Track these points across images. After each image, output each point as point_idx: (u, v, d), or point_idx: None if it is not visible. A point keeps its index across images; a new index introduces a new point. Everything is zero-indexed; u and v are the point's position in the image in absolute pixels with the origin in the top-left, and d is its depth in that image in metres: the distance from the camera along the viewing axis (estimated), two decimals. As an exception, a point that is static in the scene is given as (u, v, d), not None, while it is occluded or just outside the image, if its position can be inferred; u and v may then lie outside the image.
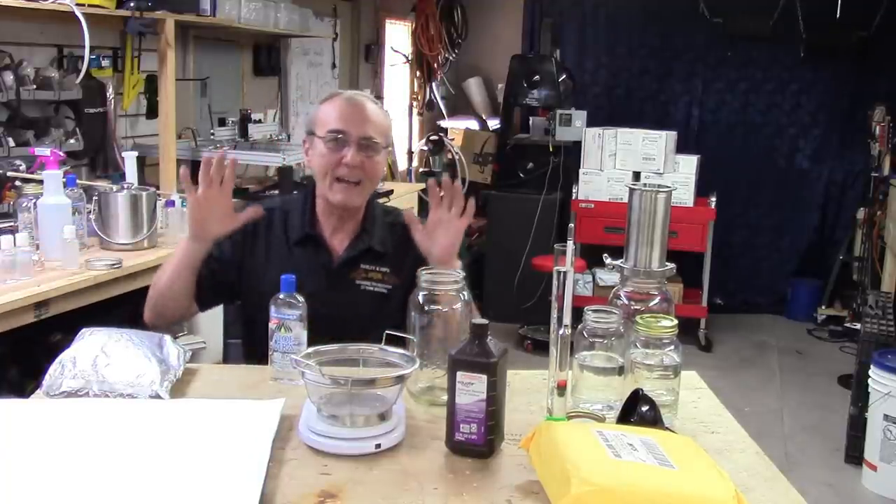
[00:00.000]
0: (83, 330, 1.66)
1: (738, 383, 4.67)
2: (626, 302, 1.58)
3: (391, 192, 4.49)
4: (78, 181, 2.82)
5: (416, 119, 6.62)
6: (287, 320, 1.60)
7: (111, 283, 2.58)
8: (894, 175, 5.12)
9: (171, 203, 3.05)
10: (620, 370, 1.49)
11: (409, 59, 6.49)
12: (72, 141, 3.21)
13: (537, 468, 1.26)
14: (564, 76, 5.75)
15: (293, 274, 1.61)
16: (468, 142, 6.36)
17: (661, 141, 5.14)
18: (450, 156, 5.99)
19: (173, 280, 1.87)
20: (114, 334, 1.64)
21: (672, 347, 1.48)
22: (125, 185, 2.86)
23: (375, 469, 1.30)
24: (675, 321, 1.49)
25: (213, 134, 3.98)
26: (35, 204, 2.59)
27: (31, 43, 3.19)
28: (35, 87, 3.04)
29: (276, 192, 3.76)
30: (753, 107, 6.05)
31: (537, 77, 5.62)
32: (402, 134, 6.40)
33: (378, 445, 1.34)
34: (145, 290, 2.77)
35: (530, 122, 5.58)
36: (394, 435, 1.37)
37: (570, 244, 1.42)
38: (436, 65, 6.46)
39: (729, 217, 5.67)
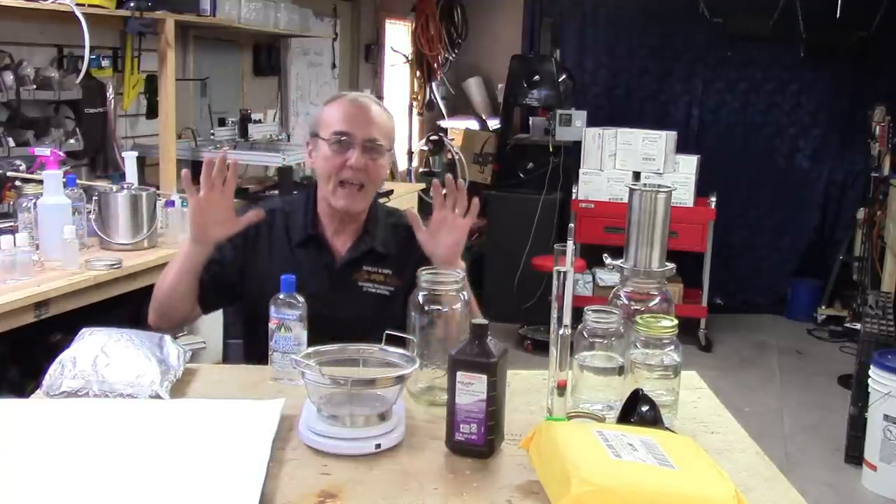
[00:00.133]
0: (83, 330, 1.66)
1: (738, 383, 4.67)
2: (626, 302, 1.58)
3: (391, 192, 4.49)
4: (78, 181, 2.82)
5: (416, 119, 6.62)
6: (287, 320, 1.60)
7: (111, 283, 2.58)
8: (894, 175, 5.12)
9: (171, 203, 3.05)
10: (620, 370, 1.49)
11: (409, 59, 6.49)
12: (72, 141, 3.21)
13: (537, 468, 1.26)
14: (564, 76, 5.75)
15: (295, 275, 1.61)
16: (468, 142, 6.36)
17: (661, 141, 5.14)
18: (450, 156, 5.99)
19: (176, 284, 1.86)
20: (114, 334, 1.64)
21: (672, 347, 1.49)
22: (125, 185, 2.85)
23: (375, 469, 1.30)
24: (675, 321, 1.49)
25: (213, 134, 3.98)
26: (35, 204, 2.59)
27: (31, 43, 3.19)
28: (35, 87, 3.04)
29: (276, 192, 3.76)
30: (753, 107, 6.05)
31: (537, 77, 5.62)
32: (402, 134, 6.40)
33: (378, 445, 1.34)
34: (145, 289, 2.80)
35: (530, 122, 5.58)
36: (394, 435, 1.37)
37: (570, 244, 1.42)
38: (436, 65, 6.46)
39: (729, 217, 5.67)
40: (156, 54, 3.47)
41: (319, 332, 1.59)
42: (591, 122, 5.39)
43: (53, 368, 1.55)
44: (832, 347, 5.43)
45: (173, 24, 3.38)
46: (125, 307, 2.87)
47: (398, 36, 6.61)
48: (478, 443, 1.34)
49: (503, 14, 6.80)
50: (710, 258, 5.23)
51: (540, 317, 4.71)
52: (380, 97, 6.01)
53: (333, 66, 5.65)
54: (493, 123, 6.54)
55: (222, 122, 4.16)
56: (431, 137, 6.17)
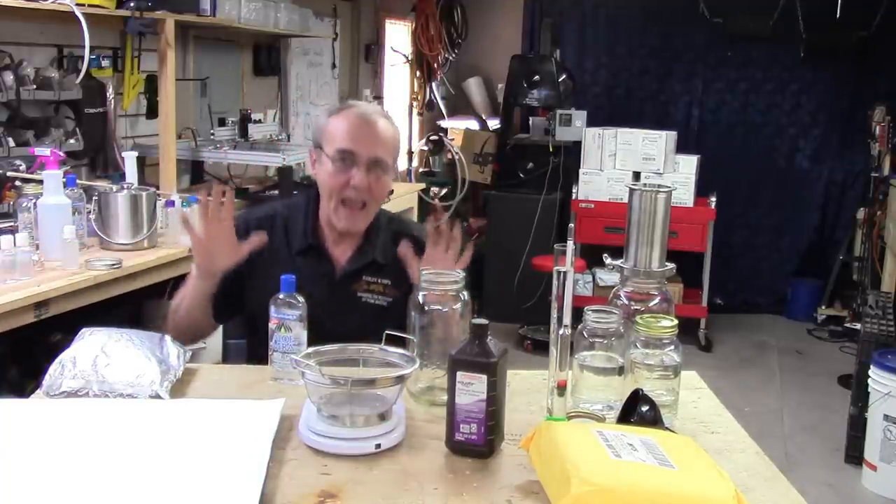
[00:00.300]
0: (83, 330, 1.66)
1: (738, 383, 4.67)
2: (626, 302, 1.58)
3: (391, 192, 4.49)
4: (78, 181, 2.82)
5: (416, 119, 6.62)
6: (287, 320, 1.60)
7: (111, 283, 2.58)
8: (894, 175, 5.12)
9: (171, 203, 3.05)
10: (620, 370, 1.49)
11: (409, 59, 6.49)
12: (72, 141, 3.21)
13: (537, 468, 1.26)
14: (564, 76, 5.75)
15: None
16: (468, 142, 6.36)
17: (661, 141, 5.14)
18: (450, 156, 5.99)
19: (191, 313, 1.88)
20: (114, 334, 1.64)
21: (672, 347, 1.48)
22: (125, 185, 2.85)
23: (375, 469, 1.30)
24: (675, 321, 1.49)
25: (213, 134, 3.98)
26: (35, 204, 2.59)
27: (31, 43, 3.19)
28: (35, 87, 3.04)
29: (276, 192, 3.76)
30: (753, 107, 6.06)
31: (537, 77, 5.62)
32: (403, 134, 6.39)
33: (378, 445, 1.34)
34: (145, 290, 2.80)
35: (530, 122, 5.58)
36: (394, 435, 1.37)
37: (570, 244, 1.42)
38: (436, 65, 6.46)
39: (729, 217, 5.68)
40: (156, 54, 3.47)
41: (317, 340, 1.58)
42: (591, 122, 5.39)
43: (53, 368, 1.55)
44: (832, 347, 5.43)
45: (173, 24, 3.38)
46: (125, 307, 2.88)
47: (398, 36, 6.61)
48: (478, 443, 1.34)
49: (503, 14, 6.80)
50: (710, 258, 5.23)
51: (540, 317, 4.71)
52: (380, 97, 6.02)
53: (333, 66, 5.65)
54: (493, 123, 6.54)
55: (222, 122, 4.16)
56: (431, 137, 6.17)
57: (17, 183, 2.75)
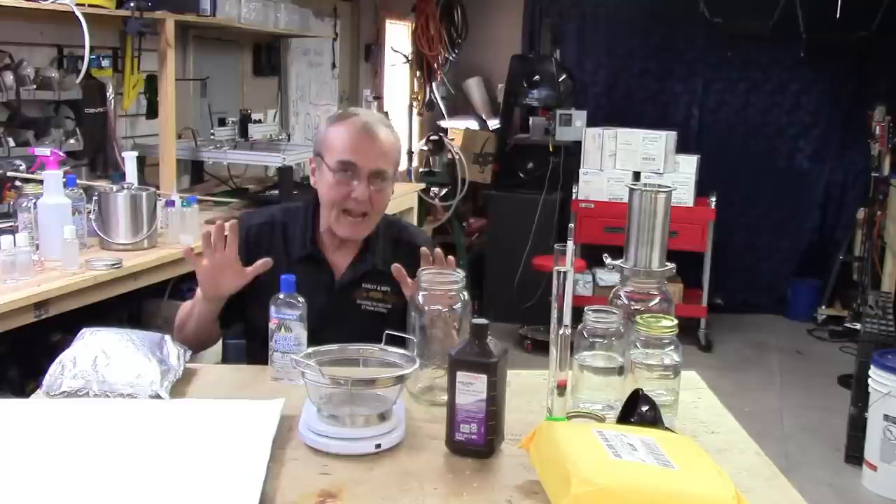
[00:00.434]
0: (83, 330, 1.66)
1: (738, 383, 4.67)
2: (626, 302, 1.58)
3: (392, 192, 4.48)
4: (78, 181, 2.82)
5: (416, 119, 6.61)
6: (287, 320, 1.61)
7: (111, 283, 2.57)
8: (894, 175, 5.12)
9: (171, 203, 3.05)
10: (620, 370, 1.49)
11: (409, 59, 6.49)
12: (72, 141, 3.21)
13: (537, 468, 1.26)
14: (564, 76, 5.75)
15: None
16: (468, 142, 6.36)
17: (661, 141, 5.14)
18: (450, 156, 5.99)
19: (199, 332, 1.90)
20: (114, 334, 1.64)
21: (672, 347, 1.49)
22: (125, 185, 2.85)
23: (375, 469, 1.30)
24: (675, 321, 1.49)
25: (213, 134, 3.98)
26: (35, 204, 2.59)
27: (31, 43, 3.19)
28: (35, 87, 3.04)
29: (276, 192, 3.75)
30: (753, 107, 6.05)
31: (537, 77, 5.62)
32: (403, 134, 6.39)
33: (378, 445, 1.34)
34: (145, 290, 2.80)
35: (530, 122, 5.58)
36: (394, 435, 1.37)
37: (570, 244, 1.42)
38: (436, 65, 6.46)
39: (729, 217, 5.67)
40: (156, 54, 3.46)
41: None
42: (591, 122, 5.39)
43: (53, 368, 1.55)
44: (832, 347, 5.43)
45: (173, 24, 3.38)
46: (125, 307, 2.88)
47: (398, 36, 6.61)
48: (478, 443, 1.34)
49: (503, 14, 6.79)
50: (710, 258, 5.23)
51: (540, 317, 4.70)
52: (380, 97, 6.02)
53: (333, 66, 5.64)
54: (493, 123, 6.54)
55: (222, 122, 4.16)
56: (431, 137, 6.17)
57: (17, 183, 2.75)
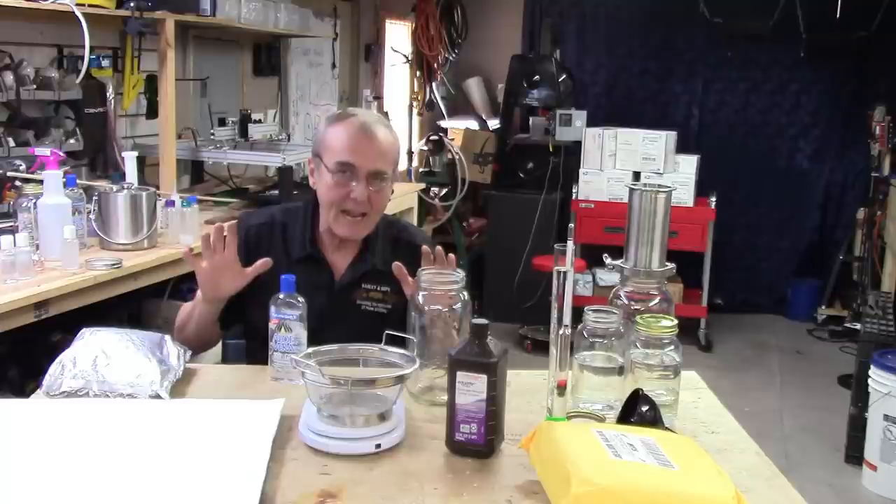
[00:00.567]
0: (83, 330, 1.66)
1: (738, 383, 4.67)
2: (626, 302, 1.58)
3: (391, 192, 4.49)
4: (78, 181, 2.82)
5: (416, 119, 6.61)
6: (287, 320, 1.61)
7: (111, 283, 2.57)
8: (894, 175, 5.12)
9: (170, 203, 3.05)
10: (620, 370, 1.49)
11: (409, 59, 6.49)
12: (72, 141, 3.21)
13: (537, 468, 1.26)
14: (564, 76, 5.75)
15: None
16: (468, 142, 6.36)
17: (661, 141, 5.14)
18: (450, 156, 5.99)
19: (200, 334, 1.90)
20: (114, 334, 1.64)
21: (672, 347, 1.49)
22: (125, 185, 2.85)
23: (375, 469, 1.30)
24: (675, 321, 1.49)
25: (213, 134, 3.98)
26: (35, 204, 2.59)
27: (31, 43, 3.19)
28: (35, 87, 3.04)
29: (276, 192, 3.75)
30: (753, 107, 6.05)
31: (537, 77, 5.62)
32: (403, 134, 6.40)
33: (378, 445, 1.34)
34: (145, 290, 2.80)
35: (530, 122, 5.58)
36: (394, 435, 1.37)
37: (570, 244, 1.42)
38: (436, 65, 6.46)
39: (729, 217, 5.67)
40: (156, 54, 3.46)
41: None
42: (591, 122, 5.39)
43: (53, 368, 1.55)
44: (832, 347, 5.43)
45: (173, 24, 3.38)
46: (125, 307, 2.88)
47: (398, 36, 6.61)
48: (478, 443, 1.34)
49: (503, 14, 6.79)
50: (710, 258, 5.23)
51: (540, 317, 4.70)
52: (380, 97, 6.02)
53: (333, 66, 5.64)
54: (493, 123, 6.54)
55: (222, 122, 4.16)
56: (431, 137, 6.17)
57: (17, 183, 2.75)
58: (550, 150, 5.42)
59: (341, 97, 5.79)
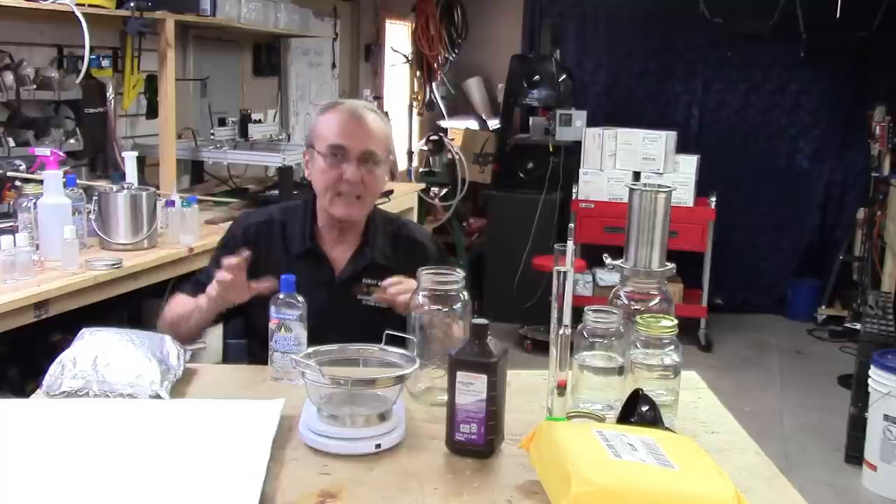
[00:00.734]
0: (83, 330, 1.66)
1: (738, 383, 4.67)
2: (626, 302, 1.58)
3: (391, 192, 4.49)
4: (78, 181, 2.82)
5: (416, 119, 6.61)
6: (287, 320, 1.61)
7: (111, 283, 2.57)
8: (894, 175, 5.12)
9: (170, 203, 3.05)
10: (620, 370, 1.49)
11: (409, 59, 6.49)
12: (72, 141, 3.21)
13: (537, 468, 1.26)
14: (564, 76, 5.75)
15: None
16: (468, 142, 6.36)
17: (661, 141, 5.14)
18: (450, 156, 5.99)
19: (193, 331, 1.91)
20: (114, 334, 1.64)
21: (672, 347, 1.49)
22: (125, 185, 2.85)
23: (375, 469, 1.30)
24: (675, 321, 1.49)
25: (213, 134, 3.98)
26: (35, 204, 2.58)
27: (31, 43, 3.19)
28: (35, 87, 3.04)
29: (276, 192, 3.75)
30: (753, 107, 6.05)
31: (537, 77, 5.62)
32: (402, 134, 6.40)
33: (378, 445, 1.34)
34: (145, 290, 2.80)
35: (530, 122, 5.58)
36: (394, 435, 1.37)
37: (570, 244, 1.42)
38: (436, 65, 6.46)
39: (729, 217, 5.67)
40: (156, 54, 3.46)
41: (317, 344, 1.58)
42: (591, 122, 5.39)
43: (53, 368, 1.55)
44: (832, 347, 5.43)
45: (173, 24, 3.38)
46: (125, 307, 2.88)
47: (398, 36, 6.61)
48: (478, 443, 1.34)
49: (503, 14, 6.79)
50: (710, 258, 5.23)
51: (540, 317, 4.70)
52: (380, 97, 6.02)
53: (333, 66, 5.64)
54: (493, 123, 6.54)
55: (222, 122, 4.16)
56: (431, 137, 6.16)
57: (17, 183, 2.75)
58: (550, 150, 5.42)
59: (341, 97, 5.79)
